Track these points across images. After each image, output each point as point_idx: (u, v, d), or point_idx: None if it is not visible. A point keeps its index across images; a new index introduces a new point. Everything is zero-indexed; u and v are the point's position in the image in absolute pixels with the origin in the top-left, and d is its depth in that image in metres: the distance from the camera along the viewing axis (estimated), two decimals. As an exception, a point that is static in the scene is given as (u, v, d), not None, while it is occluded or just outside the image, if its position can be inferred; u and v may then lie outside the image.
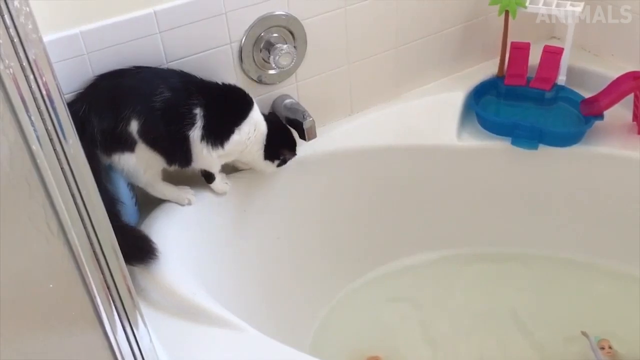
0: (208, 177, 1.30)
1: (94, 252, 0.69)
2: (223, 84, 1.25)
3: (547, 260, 1.58)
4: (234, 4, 1.23)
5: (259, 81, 1.34)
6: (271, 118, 1.33)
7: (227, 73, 1.29)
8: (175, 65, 1.22)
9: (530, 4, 1.44)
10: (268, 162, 1.33)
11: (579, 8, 1.41)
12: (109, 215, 0.71)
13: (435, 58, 1.56)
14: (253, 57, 1.31)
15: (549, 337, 1.43)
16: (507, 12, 1.46)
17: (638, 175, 1.40)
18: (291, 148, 1.36)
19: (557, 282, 1.55)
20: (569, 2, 1.43)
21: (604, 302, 1.49)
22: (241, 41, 1.27)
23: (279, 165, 1.35)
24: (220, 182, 1.31)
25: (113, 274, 0.72)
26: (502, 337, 1.45)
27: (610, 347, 1.34)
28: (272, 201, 1.42)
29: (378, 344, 1.45)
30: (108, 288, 0.71)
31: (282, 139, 1.34)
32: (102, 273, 0.70)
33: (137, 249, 1.13)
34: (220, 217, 1.32)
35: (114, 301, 0.73)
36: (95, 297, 0.70)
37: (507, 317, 1.48)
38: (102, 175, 1.15)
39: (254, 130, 1.26)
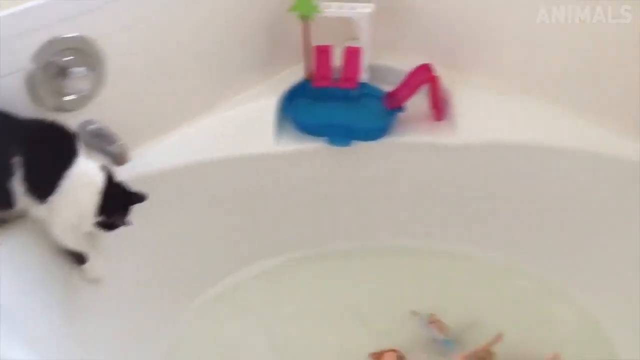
0: (78, 258, 1.16)
1: None
2: (46, 122, 1.14)
3: (383, 250, 1.65)
4: (10, 31, 1.13)
5: (58, 109, 1.25)
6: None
7: (19, 106, 1.18)
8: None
9: (325, 8, 1.50)
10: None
11: (369, 9, 1.50)
12: None
13: (243, 67, 1.57)
14: (46, 84, 1.21)
15: (386, 323, 1.49)
16: (305, 18, 1.51)
17: (440, 158, 1.53)
18: (123, 210, 1.21)
19: (392, 270, 1.63)
20: (360, 4, 1.51)
21: (434, 281, 1.59)
22: (29, 69, 1.18)
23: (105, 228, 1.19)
24: (95, 264, 1.19)
25: None
26: (344, 332, 1.49)
27: (438, 320, 1.44)
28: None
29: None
30: None
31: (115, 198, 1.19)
32: None
33: None
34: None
35: None
36: None
37: (348, 311, 1.53)
38: None
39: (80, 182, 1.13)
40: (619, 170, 1.39)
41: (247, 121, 1.53)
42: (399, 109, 1.53)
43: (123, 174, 1.32)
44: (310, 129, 1.53)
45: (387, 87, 1.57)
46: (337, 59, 1.59)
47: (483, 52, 1.55)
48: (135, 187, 1.27)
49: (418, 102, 1.54)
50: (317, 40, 1.57)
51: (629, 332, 1.37)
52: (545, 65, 1.47)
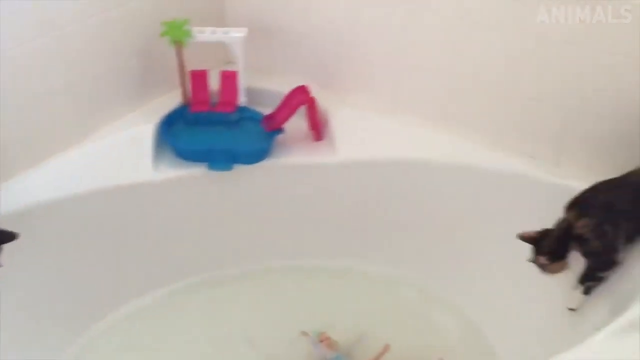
0: None
1: None
2: None
3: (270, 272, 1.65)
4: None
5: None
6: None
7: None
8: None
9: (198, 33, 1.49)
10: None
11: (242, 34, 1.51)
12: None
13: (118, 94, 1.52)
14: None
15: (276, 346, 1.49)
16: (178, 43, 1.50)
17: (321, 178, 1.55)
18: None
19: (280, 292, 1.63)
20: (233, 29, 1.52)
21: (322, 299, 1.61)
22: None
23: None
24: None
25: None
26: (234, 359, 1.47)
27: (328, 338, 1.45)
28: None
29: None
30: None
31: None
32: None
33: None
34: None
35: None
36: None
37: (237, 338, 1.51)
38: None
39: None
40: (488, 181, 1.47)
41: (124, 149, 1.48)
42: (278, 130, 1.54)
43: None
44: (190, 155, 1.51)
45: (266, 110, 1.58)
46: (214, 84, 1.59)
47: (356, 72, 1.60)
48: (5, 223, 1.20)
49: (297, 124, 1.57)
50: (193, 65, 1.56)
51: (510, 340, 1.43)
52: (414, 83, 1.53)
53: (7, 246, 1.19)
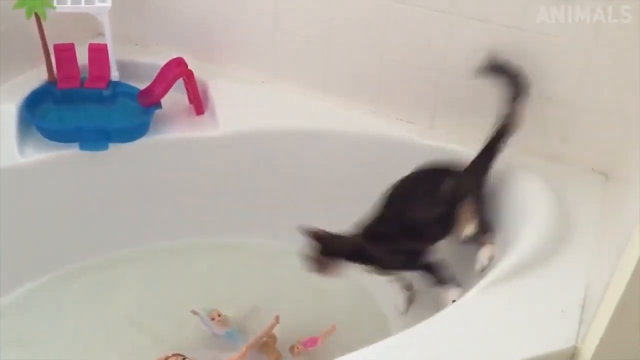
0: None
1: None
2: None
3: (150, 253, 1.59)
4: None
5: None
6: None
7: None
8: None
9: (58, 3, 1.39)
10: None
11: (107, 4, 1.42)
12: None
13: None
14: None
15: (166, 327, 1.45)
16: (37, 16, 1.39)
17: (204, 151, 1.51)
18: None
19: (167, 271, 1.58)
20: (98, -1, 1.43)
21: (209, 277, 1.58)
22: None
23: None
24: None
25: None
26: (123, 344, 1.42)
27: (219, 315, 1.43)
28: None
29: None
30: None
31: None
32: None
33: None
34: None
35: None
36: None
37: (123, 322, 1.45)
38: None
39: None
40: (366, 147, 1.48)
41: (-18, 132, 1.37)
42: (156, 106, 1.47)
43: None
44: (59, 136, 1.41)
45: (141, 85, 1.51)
46: (83, 58, 1.49)
47: (233, 42, 1.56)
48: None
49: (177, 98, 1.51)
50: (60, 39, 1.45)
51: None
52: (291, 52, 1.52)
53: None
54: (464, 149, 1.31)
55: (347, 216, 1.54)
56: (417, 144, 1.42)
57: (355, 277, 1.53)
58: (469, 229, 1.21)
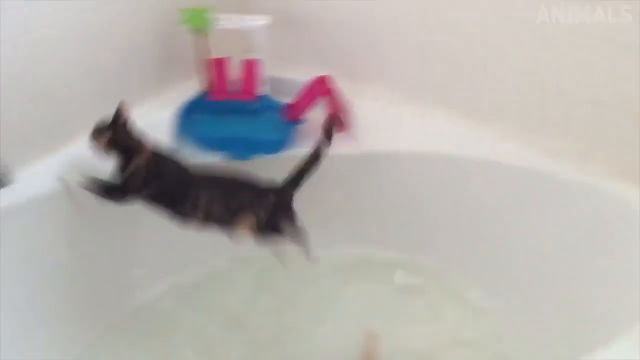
0: None
1: None
2: None
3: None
4: None
5: None
6: None
7: None
8: None
9: (220, 20, 1.47)
10: None
11: (265, 22, 1.49)
12: None
13: (134, 81, 1.52)
14: None
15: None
16: (198, 30, 1.48)
17: (344, 168, 1.53)
18: None
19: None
20: (256, 17, 1.50)
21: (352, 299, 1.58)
22: None
23: None
24: None
25: None
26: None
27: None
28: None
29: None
30: None
31: None
32: None
33: None
34: None
35: None
36: None
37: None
38: None
39: None
40: (512, 177, 1.44)
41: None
42: (299, 121, 1.52)
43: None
44: (209, 143, 1.48)
45: (288, 99, 1.56)
46: (235, 72, 1.57)
47: (381, 63, 1.58)
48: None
49: (321, 114, 1.54)
50: (214, 52, 1.53)
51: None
52: (437, 75, 1.51)
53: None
54: (620, 187, 1.23)
55: (484, 247, 1.52)
56: (568, 180, 1.36)
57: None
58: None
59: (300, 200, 1.57)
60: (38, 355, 1.33)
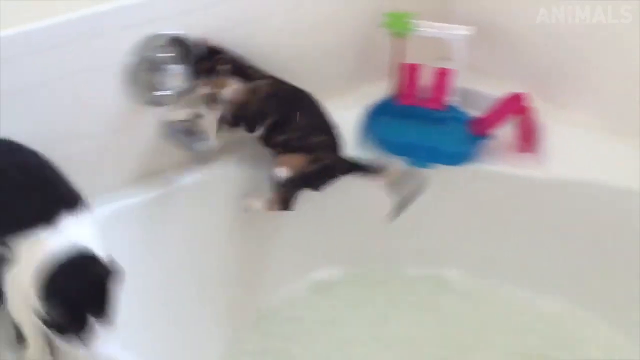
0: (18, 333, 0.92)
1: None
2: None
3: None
4: (115, 23, 1.17)
5: (150, 103, 1.27)
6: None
7: (115, 97, 1.22)
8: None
9: (420, 26, 1.47)
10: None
11: (467, 32, 1.47)
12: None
13: (328, 77, 1.55)
14: (142, 78, 1.24)
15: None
16: (398, 34, 1.49)
17: (525, 191, 1.47)
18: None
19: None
20: (458, 25, 1.48)
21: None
22: (130, 63, 1.20)
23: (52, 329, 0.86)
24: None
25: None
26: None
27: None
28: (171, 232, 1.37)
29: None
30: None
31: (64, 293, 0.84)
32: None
33: None
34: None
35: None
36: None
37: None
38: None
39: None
40: None
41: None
42: (485, 136, 1.48)
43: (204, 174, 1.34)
44: (391, 147, 1.49)
45: (476, 113, 1.52)
46: (424, 79, 1.56)
47: (584, 87, 1.48)
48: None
49: (506, 131, 1.49)
50: (410, 57, 1.54)
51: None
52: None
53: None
54: None
55: None
56: None
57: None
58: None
59: (468, 218, 1.54)
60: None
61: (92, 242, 0.88)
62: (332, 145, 1.35)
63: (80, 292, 0.83)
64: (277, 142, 1.31)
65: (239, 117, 1.29)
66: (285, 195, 1.32)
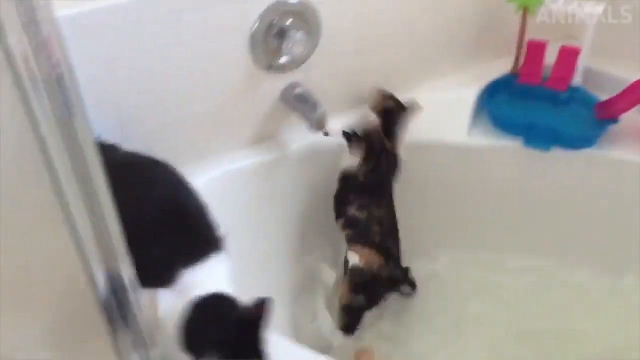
0: None
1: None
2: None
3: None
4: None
5: (269, 69, 1.31)
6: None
7: (237, 61, 1.26)
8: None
9: (549, 2, 1.41)
10: None
11: (600, 8, 1.38)
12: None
13: (449, 52, 1.54)
14: (265, 44, 1.27)
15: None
16: (524, 10, 1.43)
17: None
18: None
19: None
20: (590, 2, 1.40)
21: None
22: (253, 28, 1.24)
23: None
24: None
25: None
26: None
27: None
28: (277, 193, 1.40)
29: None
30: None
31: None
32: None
33: None
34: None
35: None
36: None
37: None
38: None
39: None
40: None
41: (443, 108, 1.48)
42: (612, 120, 1.40)
43: (316, 140, 1.37)
44: (509, 126, 1.45)
45: (601, 95, 1.45)
46: (549, 57, 1.50)
47: None
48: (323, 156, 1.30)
49: (634, 116, 1.41)
50: (531, 35, 1.48)
51: None
52: None
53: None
54: None
55: None
56: None
57: None
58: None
59: (585, 206, 1.47)
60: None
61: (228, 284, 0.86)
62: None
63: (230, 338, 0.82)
64: None
65: None
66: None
